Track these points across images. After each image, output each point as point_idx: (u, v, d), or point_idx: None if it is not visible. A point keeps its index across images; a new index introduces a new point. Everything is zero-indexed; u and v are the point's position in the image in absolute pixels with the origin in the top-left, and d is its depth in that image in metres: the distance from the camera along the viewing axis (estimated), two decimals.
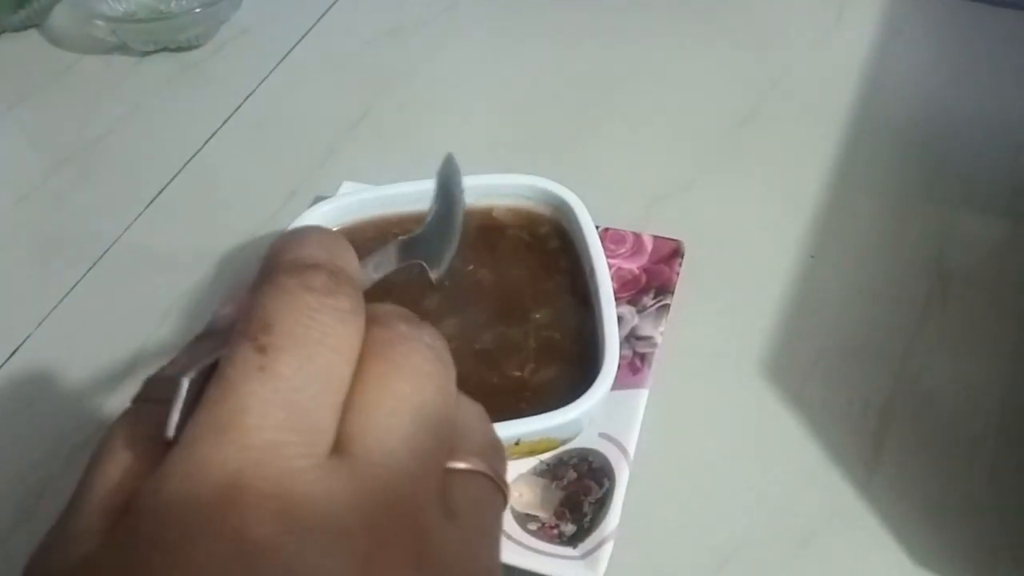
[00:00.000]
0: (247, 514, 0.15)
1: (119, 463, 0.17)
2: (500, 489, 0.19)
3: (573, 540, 0.38)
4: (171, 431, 0.17)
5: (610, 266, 0.43)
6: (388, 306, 0.19)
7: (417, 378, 0.18)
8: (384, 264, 0.27)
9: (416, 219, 0.46)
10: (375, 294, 0.26)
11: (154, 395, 0.18)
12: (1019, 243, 0.50)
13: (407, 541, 0.16)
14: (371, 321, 0.19)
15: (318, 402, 0.17)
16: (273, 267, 0.18)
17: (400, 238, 0.29)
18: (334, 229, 0.46)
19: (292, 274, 0.18)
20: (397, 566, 0.16)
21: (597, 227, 0.44)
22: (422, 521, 0.17)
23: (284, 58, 0.65)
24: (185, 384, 0.17)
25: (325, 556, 0.15)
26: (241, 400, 0.16)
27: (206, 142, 0.59)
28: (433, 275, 0.32)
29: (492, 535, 0.19)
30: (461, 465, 0.18)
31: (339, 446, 0.17)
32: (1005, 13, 0.64)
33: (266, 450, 0.16)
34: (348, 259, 0.19)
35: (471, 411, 0.20)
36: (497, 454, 0.20)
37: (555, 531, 0.38)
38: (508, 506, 0.21)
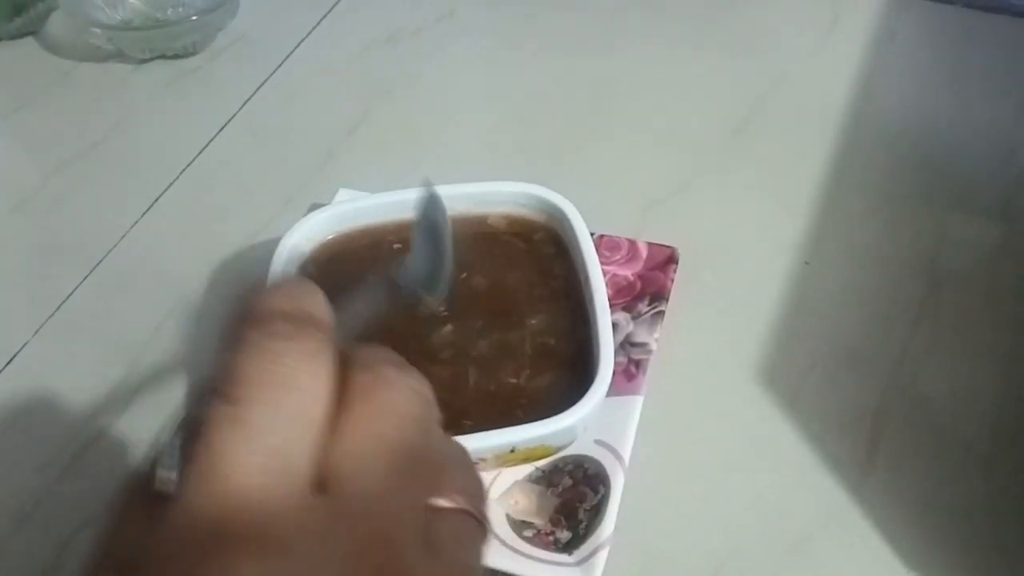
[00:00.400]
0: (232, 560, 0.16)
1: (128, 523, 0.18)
2: (482, 525, 0.20)
3: (568, 547, 0.38)
4: (162, 486, 0.18)
5: (605, 273, 0.43)
6: (374, 349, 0.20)
7: (400, 421, 0.19)
8: (374, 301, 0.28)
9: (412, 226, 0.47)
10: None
11: (155, 458, 0.19)
12: (1012, 247, 0.50)
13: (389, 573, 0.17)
14: (356, 364, 0.19)
15: (292, 443, 0.17)
16: (236, 323, 0.19)
17: (387, 274, 0.30)
18: (329, 237, 0.46)
19: (253, 325, 0.18)
20: None
21: (592, 234, 0.44)
22: (403, 558, 0.17)
23: (280, 65, 0.65)
24: (170, 444, 0.18)
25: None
26: (217, 452, 0.17)
27: (202, 149, 0.59)
28: (433, 301, 0.33)
29: (474, 570, 0.20)
30: (444, 503, 0.19)
31: (322, 486, 0.17)
32: (998, 19, 0.65)
33: (246, 496, 0.16)
34: (312, 303, 0.20)
35: (455, 452, 0.21)
36: (479, 492, 0.21)
37: (551, 538, 0.38)
38: (493, 533, 0.22)
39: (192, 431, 0.18)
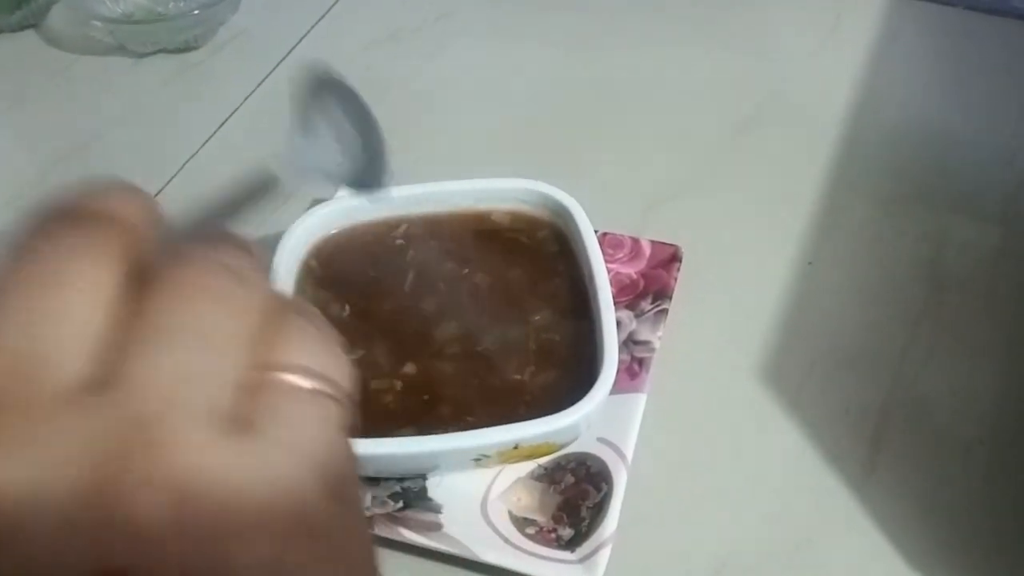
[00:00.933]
0: None
1: None
2: (329, 399, 0.18)
3: (571, 544, 0.38)
4: None
5: (608, 271, 0.43)
6: (206, 241, 0.18)
7: (193, 301, 0.17)
8: (249, 197, 0.25)
9: (416, 222, 0.46)
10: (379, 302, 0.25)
11: None
12: (1012, 249, 0.51)
13: (157, 472, 0.15)
14: (168, 256, 0.18)
15: (49, 342, 0.16)
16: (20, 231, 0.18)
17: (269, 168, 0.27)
18: (332, 232, 0.46)
19: (30, 228, 0.17)
20: (143, 502, 0.15)
21: (595, 231, 0.44)
22: (183, 447, 0.16)
23: (282, 60, 0.65)
24: None
25: (48, 496, 0.15)
26: None
27: (204, 144, 0.59)
28: (370, 193, 0.31)
29: (306, 456, 0.17)
30: (270, 383, 0.17)
31: (102, 382, 0.16)
32: (1000, 21, 0.65)
33: None
34: (117, 201, 0.18)
35: (305, 329, 0.19)
36: (335, 374, 0.19)
37: (553, 535, 0.38)
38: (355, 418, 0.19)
39: None
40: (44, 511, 0.15)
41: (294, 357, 0.18)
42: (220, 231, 0.19)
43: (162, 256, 0.17)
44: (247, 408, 0.17)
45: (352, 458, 0.19)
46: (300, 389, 0.18)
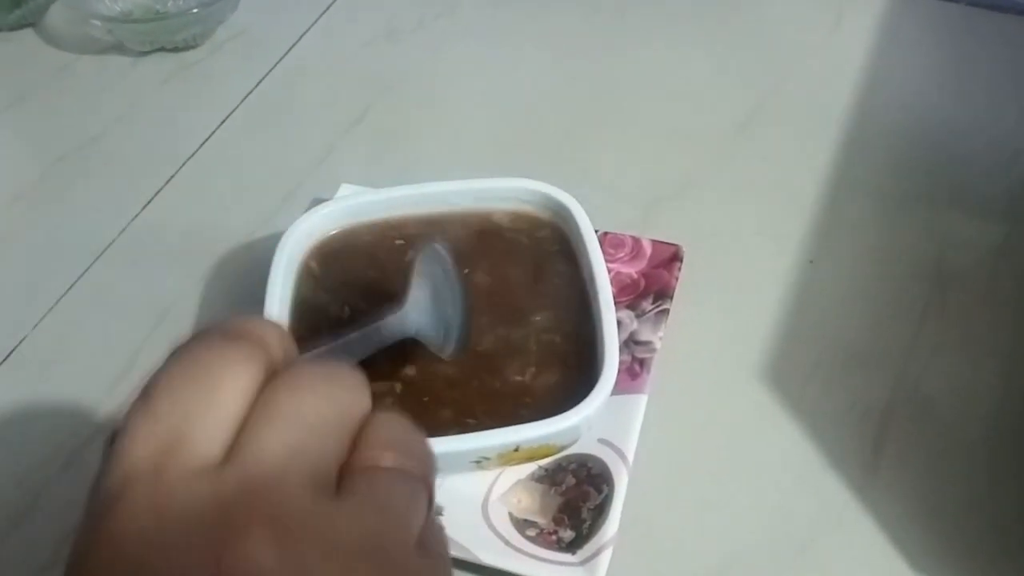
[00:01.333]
0: (125, 512, 0.19)
1: None
2: (409, 475, 0.22)
3: (572, 546, 0.38)
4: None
5: (609, 270, 0.43)
6: (313, 360, 0.23)
7: (299, 392, 0.21)
8: (364, 347, 0.34)
9: (416, 222, 0.46)
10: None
11: None
12: (1017, 246, 0.50)
13: (265, 519, 0.19)
14: (292, 366, 0.22)
15: (196, 427, 0.20)
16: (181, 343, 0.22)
17: (380, 324, 0.36)
18: (332, 232, 0.46)
19: (189, 340, 0.22)
20: (252, 539, 0.18)
21: (596, 231, 0.44)
22: (289, 502, 0.19)
23: (282, 59, 0.64)
24: (106, 438, 0.21)
25: (178, 539, 0.19)
26: (128, 435, 0.20)
27: (203, 143, 0.59)
28: (448, 356, 0.38)
29: (391, 516, 0.21)
30: (363, 462, 0.21)
31: (227, 457, 0.20)
32: (1002, 17, 0.64)
33: (147, 469, 0.20)
34: (258, 326, 0.23)
35: (392, 423, 0.23)
36: (416, 456, 0.23)
37: (554, 537, 0.38)
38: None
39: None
40: (170, 549, 0.19)
41: (385, 449, 0.22)
42: (329, 356, 0.25)
43: (287, 368, 0.22)
44: (347, 482, 0.21)
45: (435, 524, 0.23)
46: (385, 470, 0.22)
